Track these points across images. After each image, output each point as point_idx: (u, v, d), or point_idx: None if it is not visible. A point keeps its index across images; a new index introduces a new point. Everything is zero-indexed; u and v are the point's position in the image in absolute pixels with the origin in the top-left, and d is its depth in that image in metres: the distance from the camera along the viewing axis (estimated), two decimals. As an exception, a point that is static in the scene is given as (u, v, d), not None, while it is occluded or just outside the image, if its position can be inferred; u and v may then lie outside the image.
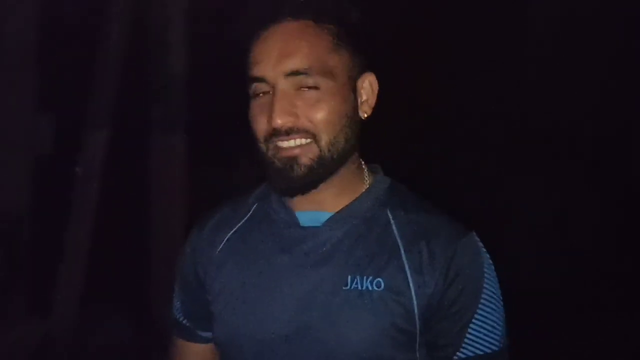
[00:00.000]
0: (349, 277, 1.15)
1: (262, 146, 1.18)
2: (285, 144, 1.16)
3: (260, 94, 1.17)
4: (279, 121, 1.13)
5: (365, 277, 1.15)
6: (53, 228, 4.55)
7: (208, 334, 1.32)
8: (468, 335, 1.16)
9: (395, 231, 1.19)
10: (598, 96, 6.50)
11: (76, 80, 4.59)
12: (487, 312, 1.16)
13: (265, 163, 1.19)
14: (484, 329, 1.16)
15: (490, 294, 1.18)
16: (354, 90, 1.21)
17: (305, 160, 1.15)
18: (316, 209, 1.20)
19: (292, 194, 1.20)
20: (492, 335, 1.16)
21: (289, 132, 1.15)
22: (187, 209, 4.88)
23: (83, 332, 4.68)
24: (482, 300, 1.16)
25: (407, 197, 1.26)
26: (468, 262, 1.17)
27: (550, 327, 5.09)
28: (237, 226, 1.28)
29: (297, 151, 1.15)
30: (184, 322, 1.35)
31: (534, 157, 6.68)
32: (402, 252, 1.16)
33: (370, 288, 1.14)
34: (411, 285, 1.15)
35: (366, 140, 1.26)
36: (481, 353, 1.16)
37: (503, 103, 6.60)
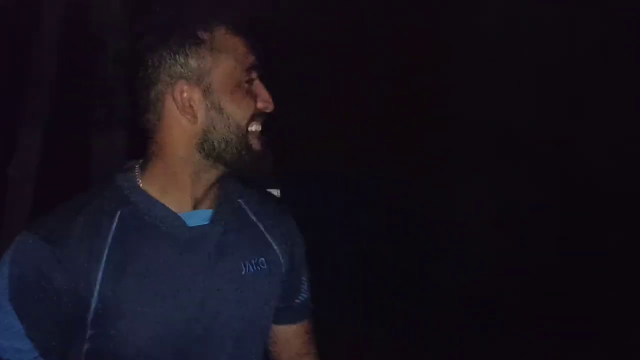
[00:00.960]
0: (242, 263, 1.25)
1: (242, 130, 1.19)
2: (258, 127, 1.22)
3: (251, 81, 1.21)
4: (272, 106, 1.22)
5: (252, 260, 1.27)
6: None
7: None
8: (303, 285, 1.42)
9: (251, 215, 1.31)
10: (539, 94, 6.57)
11: (9, 79, 4.55)
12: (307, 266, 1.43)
13: (240, 145, 1.19)
14: (308, 278, 1.44)
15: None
16: None
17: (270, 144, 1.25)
18: (201, 207, 1.23)
19: (255, 175, 1.25)
20: (308, 282, 1.44)
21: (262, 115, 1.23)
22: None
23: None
24: (306, 258, 1.42)
25: (239, 185, 1.33)
26: (296, 229, 1.39)
27: (494, 325, 5.13)
28: (110, 236, 1.17)
29: (265, 137, 1.23)
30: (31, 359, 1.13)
31: (478, 155, 6.68)
32: (264, 231, 1.31)
33: (259, 268, 1.27)
34: (280, 257, 1.32)
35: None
36: (306, 296, 1.43)
37: (447, 102, 6.65)
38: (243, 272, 1.25)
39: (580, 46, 6.41)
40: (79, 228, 1.15)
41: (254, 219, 1.32)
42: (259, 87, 1.22)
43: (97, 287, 1.14)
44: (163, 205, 1.20)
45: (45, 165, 4.60)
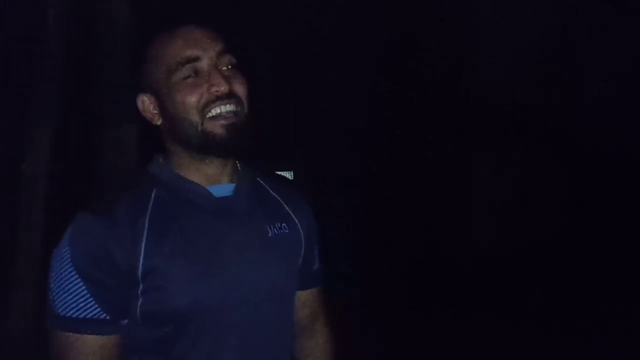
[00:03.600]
0: (267, 227, 1.42)
1: (196, 118, 1.32)
2: (225, 107, 1.32)
3: (191, 75, 1.33)
4: (226, 86, 1.31)
5: (276, 224, 1.44)
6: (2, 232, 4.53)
7: (125, 322, 1.33)
8: (316, 255, 1.59)
9: (271, 191, 1.50)
10: (555, 70, 6.63)
11: (18, 77, 4.60)
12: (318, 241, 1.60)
13: (199, 134, 1.32)
14: (319, 251, 1.60)
15: None
16: None
17: (239, 125, 1.34)
18: (219, 182, 1.39)
19: (228, 157, 1.38)
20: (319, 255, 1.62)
21: (229, 96, 1.32)
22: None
23: (42, 333, 4.61)
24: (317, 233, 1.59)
25: (258, 169, 1.53)
26: (309, 206, 1.57)
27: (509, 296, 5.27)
28: (149, 211, 1.35)
29: (233, 118, 1.33)
30: (103, 316, 1.31)
31: (493, 132, 6.72)
32: (283, 204, 1.50)
33: (282, 231, 1.44)
34: (298, 225, 1.49)
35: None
36: (319, 266, 1.61)
37: (461, 79, 6.61)
38: (269, 234, 1.42)
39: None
40: (123, 207, 1.33)
41: (273, 194, 1.50)
42: (208, 75, 1.34)
43: (142, 254, 1.30)
44: (192, 182, 1.39)
45: (57, 161, 4.64)
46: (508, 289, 5.56)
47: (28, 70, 4.61)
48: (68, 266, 1.29)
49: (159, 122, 1.38)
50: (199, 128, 1.33)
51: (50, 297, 1.32)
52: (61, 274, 1.30)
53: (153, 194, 1.37)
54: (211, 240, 1.35)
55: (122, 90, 4.93)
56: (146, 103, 1.39)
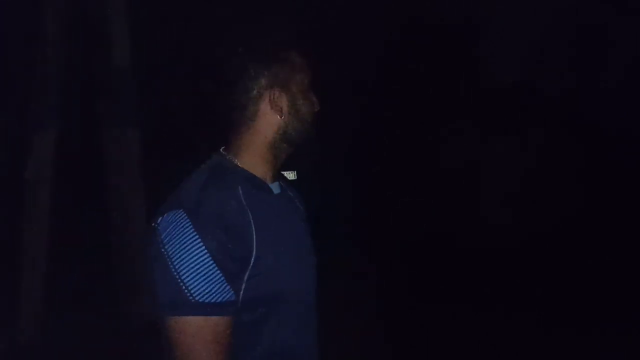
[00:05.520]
0: (303, 223, 1.68)
1: (309, 122, 1.59)
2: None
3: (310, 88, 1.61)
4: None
5: (305, 220, 1.69)
6: (6, 237, 4.51)
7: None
8: None
9: (288, 191, 1.68)
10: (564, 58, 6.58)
11: (17, 84, 4.57)
12: None
13: (307, 134, 1.59)
14: None
15: None
16: None
17: None
18: (272, 181, 1.59)
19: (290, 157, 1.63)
20: None
21: None
22: (144, 205, 4.75)
23: (50, 338, 4.60)
24: None
25: None
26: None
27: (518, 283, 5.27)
28: (245, 204, 1.48)
29: None
30: (233, 298, 1.42)
31: (503, 117, 6.73)
32: (296, 201, 1.71)
33: (308, 226, 1.68)
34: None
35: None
36: None
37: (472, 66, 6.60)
38: (305, 229, 1.67)
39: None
40: (240, 187, 1.51)
41: (290, 193, 1.69)
42: (312, 93, 1.62)
43: (254, 241, 1.45)
44: (260, 179, 1.57)
45: (60, 166, 4.62)
46: (513, 283, 5.53)
47: (28, 75, 4.57)
48: (202, 254, 1.39)
49: (281, 117, 1.55)
50: (309, 129, 1.59)
51: (178, 286, 1.38)
52: (194, 261, 1.39)
53: (240, 189, 1.50)
54: (286, 227, 1.57)
55: (123, 92, 4.94)
56: (279, 97, 1.55)
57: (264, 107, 1.55)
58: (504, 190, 6.70)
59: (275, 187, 1.60)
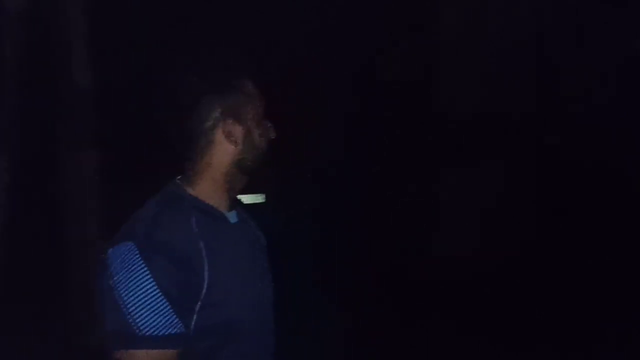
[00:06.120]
0: (260, 249, 1.69)
1: (263, 150, 1.59)
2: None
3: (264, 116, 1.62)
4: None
5: (262, 243, 1.72)
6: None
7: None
8: None
9: (244, 216, 1.67)
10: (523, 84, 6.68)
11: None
12: None
13: (260, 162, 1.59)
14: None
15: None
16: None
17: None
18: (228, 210, 1.58)
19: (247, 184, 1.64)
20: None
21: None
22: (99, 228, 4.68)
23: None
24: None
25: None
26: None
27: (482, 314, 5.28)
28: (198, 233, 1.47)
29: None
30: (182, 331, 1.40)
31: (462, 149, 6.80)
32: (254, 227, 1.72)
33: (264, 250, 1.70)
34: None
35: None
36: None
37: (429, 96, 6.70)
38: (262, 258, 1.67)
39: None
40: (194, 215, 1.49)
41: (248, 222, 1.68)
42: (267, 120, 1.62)
43: (206, 271, 1.43)
44: (214, 207, 1.55)
45: (14, 189, 4.53)
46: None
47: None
48: (150, 286, 1.37)
49: (236, 146, 1.54)
50: (261, 157, 1.59)
51: (125, 319, 1.37)
52: (141, 294, 1.37)
53: (193, 218, 1.49)
54: (241, 256, 1.55)
55: (81, 114, 4.88)
56: (233, 127, 1.54)
57: (219, 136, 1.53)
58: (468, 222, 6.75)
59: (231, 216, 1.59)
